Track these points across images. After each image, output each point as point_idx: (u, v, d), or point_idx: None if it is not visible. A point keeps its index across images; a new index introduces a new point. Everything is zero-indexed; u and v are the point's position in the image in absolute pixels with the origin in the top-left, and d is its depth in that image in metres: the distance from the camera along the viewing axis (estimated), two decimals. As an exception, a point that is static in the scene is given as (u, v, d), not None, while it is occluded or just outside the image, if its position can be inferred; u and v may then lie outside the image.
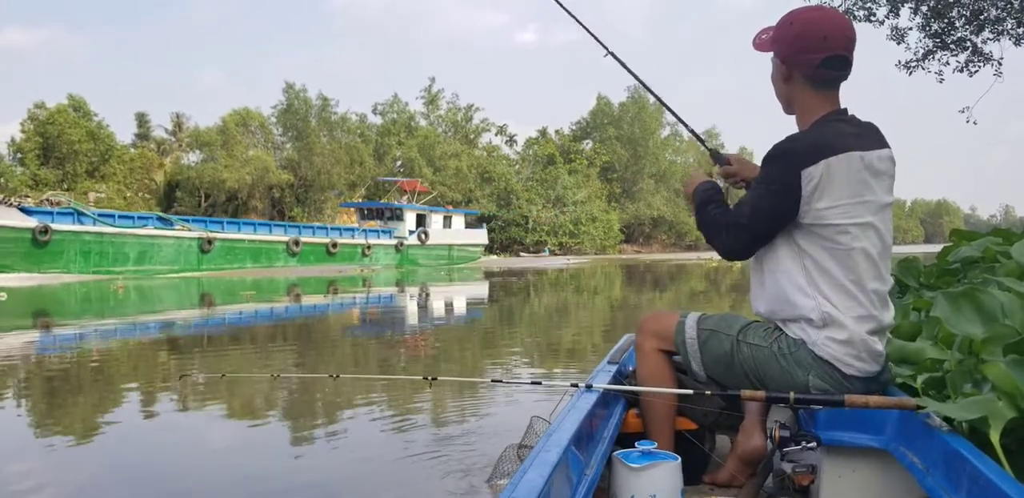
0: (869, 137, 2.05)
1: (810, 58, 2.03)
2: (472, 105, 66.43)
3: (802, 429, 2.08)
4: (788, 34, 2.06)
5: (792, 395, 1.98)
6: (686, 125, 2.65)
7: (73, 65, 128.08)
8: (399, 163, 58.42)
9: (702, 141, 2.71)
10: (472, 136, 66.97)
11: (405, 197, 42.96)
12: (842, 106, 2.11)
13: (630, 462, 1.98)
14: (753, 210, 2.05)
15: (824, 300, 2.01)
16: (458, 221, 42.37)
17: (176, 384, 6.26)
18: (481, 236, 44.72)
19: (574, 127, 76.00)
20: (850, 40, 2.03)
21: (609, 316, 13.16)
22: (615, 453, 2.04)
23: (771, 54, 2.15)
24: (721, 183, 2.39)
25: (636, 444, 2.06)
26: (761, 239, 2.08)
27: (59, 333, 10.36)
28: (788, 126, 2.23)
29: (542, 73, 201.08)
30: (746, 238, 2.09)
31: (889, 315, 2.09)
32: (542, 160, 68.12)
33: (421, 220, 39.69)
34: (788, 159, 1.99)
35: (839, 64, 2.04)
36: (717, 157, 2.46)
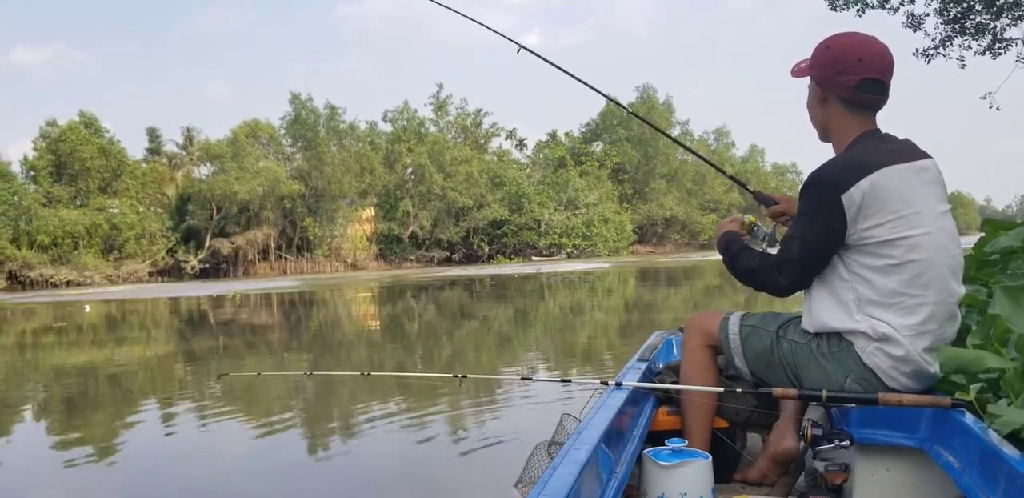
0: (906, 151, 2.03)
1: (846, 80, 2.01)
2: (481, 110, 66.55)
3: (835, 427, 2.05)
4: (825, 58, 2.05)
5: (825, 393, 1.96)
6: (703, 157, 2.62)
7: (82, 82, 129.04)
8: (410, 170, 58.53)
9: (743, 185, 2.70)
10: (482, 141, 66.99)
11: None
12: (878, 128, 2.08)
13: (660, 460, 1.97)
14: (802, 244, 2.02)
15: (876, 321, 1.96)
16: None
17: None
18: None
19: (584, 129, 75.92)
20: (886, 63, 2.01)
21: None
22: (645, 451, 2.04)
23: (806, 80, 2.13)
24: (767, 227, 2.38)
25: (666, 442, 2.05)
26: (815, 270, 2.05)
27: None
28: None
29: (550, 76, 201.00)
30: (800, 272, 2.06)
31: (953, 328, 2.03)
32: (553, 163, 68.07)
33: None
34: (825, 186, 1.97)
35: (875, 88, 2.02)
36: (762, 199, 2.42)
